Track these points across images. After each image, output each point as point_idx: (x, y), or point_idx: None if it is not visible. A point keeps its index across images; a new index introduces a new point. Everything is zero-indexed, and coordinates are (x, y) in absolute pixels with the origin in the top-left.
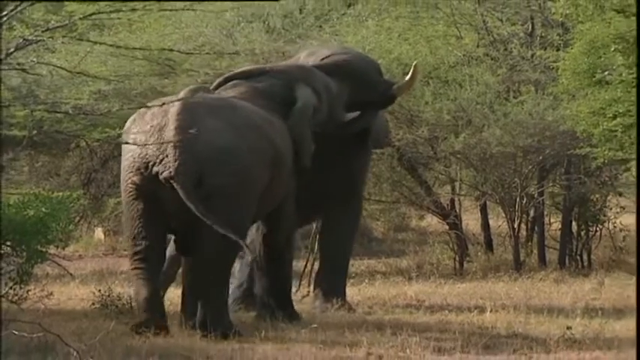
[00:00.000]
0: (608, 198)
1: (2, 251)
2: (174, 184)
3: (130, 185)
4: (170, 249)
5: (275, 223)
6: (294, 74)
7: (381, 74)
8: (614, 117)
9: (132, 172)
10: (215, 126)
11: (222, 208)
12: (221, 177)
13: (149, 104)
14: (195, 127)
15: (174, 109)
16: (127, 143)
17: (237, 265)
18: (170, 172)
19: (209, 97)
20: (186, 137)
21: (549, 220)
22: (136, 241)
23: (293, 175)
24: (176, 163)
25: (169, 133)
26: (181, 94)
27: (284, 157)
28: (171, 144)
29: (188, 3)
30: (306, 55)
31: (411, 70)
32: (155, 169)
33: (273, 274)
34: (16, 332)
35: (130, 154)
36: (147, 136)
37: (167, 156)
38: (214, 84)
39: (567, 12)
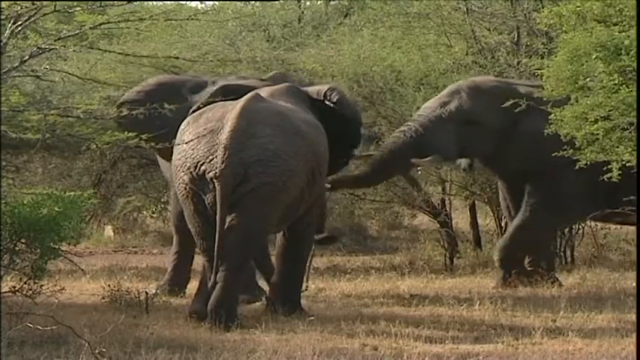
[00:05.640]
0: None
1: (17, 248)
2: (217, 184)
3: (182, 184)
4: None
5: (300, 219)
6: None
7: None
8: (596, 121)
9: (183, 171)
10: (266, 132)
11: (257, 204)
12: (266, 176)
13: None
14: (249, 132)
15: (232, 114)
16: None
17: None
18: (215, 172)
19: (266, 105)
20: (238, 141)
21: None
22: (200, 239)
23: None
24: (223, 164)
25: (223, 136)
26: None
27: (323, 162)
28: (223, 145)
29: (193, 13)
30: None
31: None
32: (202, 168)
33: (289, 266)
34: (31, 325)
35: (182, 154)
36: (200, 138)
37: (216, 157)
38: (209, 96)
39: (551, 22)
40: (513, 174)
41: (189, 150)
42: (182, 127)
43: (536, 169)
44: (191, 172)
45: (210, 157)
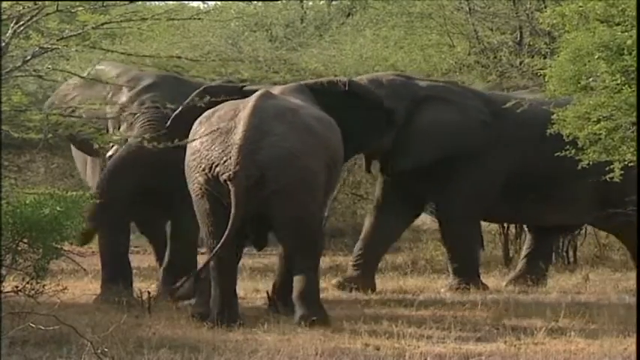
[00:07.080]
0: None
1: (19, 248)
2: (230, 186)
3: (196, 185)
4: None
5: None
6: None
7: None
8: (598, 121)
9: (197, 172)
10: (279, 130)
11: (285, 206)
12: (284, 178)
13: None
14: (262, 130)
15: (244, 113)
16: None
17: None
18: (229, 174)
19: (277, 102)
20: (251, 141)
21: None
22: (211, 239)
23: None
24: (237, 166)
25: (236, 136)
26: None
27: (337, 158)
28: (236, 146)
29: (195, 13)
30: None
31: None
32: (217, 169)
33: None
34: (33, 325)
35: (197, 155)
36: (213, 138)
37: (230, 158)
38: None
39: (554, 22)
40: (413, 173)
41: (203, 150)
42: (194, 126)
43: (435, 166)
44: (206, 174)
45: (225, 159)
